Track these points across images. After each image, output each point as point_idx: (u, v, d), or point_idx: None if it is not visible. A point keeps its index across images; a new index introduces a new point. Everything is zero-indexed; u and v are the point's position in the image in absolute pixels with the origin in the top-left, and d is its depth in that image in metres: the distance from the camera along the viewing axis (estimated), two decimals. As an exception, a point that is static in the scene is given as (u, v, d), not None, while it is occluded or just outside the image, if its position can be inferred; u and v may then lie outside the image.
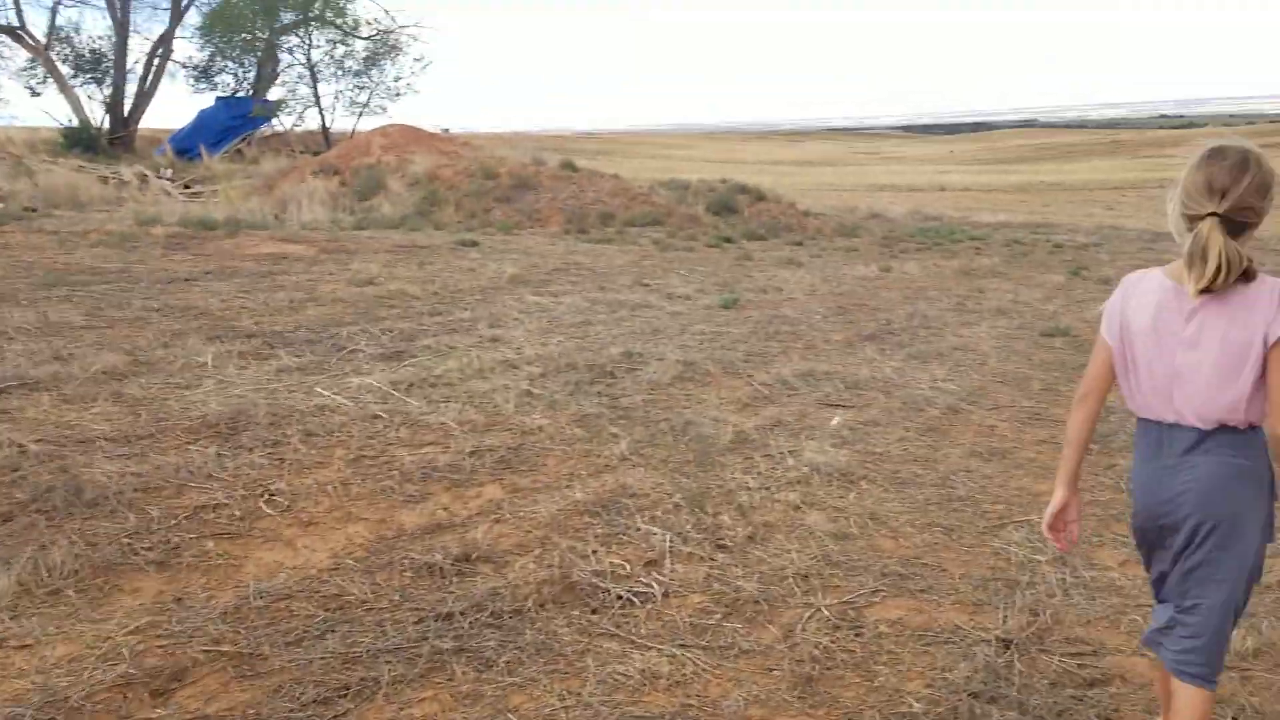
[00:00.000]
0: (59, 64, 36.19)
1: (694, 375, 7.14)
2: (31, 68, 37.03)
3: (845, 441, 5.68)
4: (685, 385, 6.88)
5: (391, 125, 26.52)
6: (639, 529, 4.32)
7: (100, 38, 37.47)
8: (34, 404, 5.65)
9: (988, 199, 44.25)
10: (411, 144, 23.24)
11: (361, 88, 39.82)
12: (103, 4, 36.12)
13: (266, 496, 4.55)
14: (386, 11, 40.44)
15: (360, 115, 40.10)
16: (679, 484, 4.88)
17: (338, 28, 38.70)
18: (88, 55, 36.94)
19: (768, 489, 4.87)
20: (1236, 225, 2.29)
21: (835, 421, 6.05)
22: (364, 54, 39.67)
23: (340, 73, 39.65)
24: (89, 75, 36.98)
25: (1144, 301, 2.43)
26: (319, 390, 6.25)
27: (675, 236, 17.73)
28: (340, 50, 39.46)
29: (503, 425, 5.75)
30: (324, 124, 39.42)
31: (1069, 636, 3.52)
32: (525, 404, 6.18)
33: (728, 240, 17.79)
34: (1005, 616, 3.62)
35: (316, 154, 29.06)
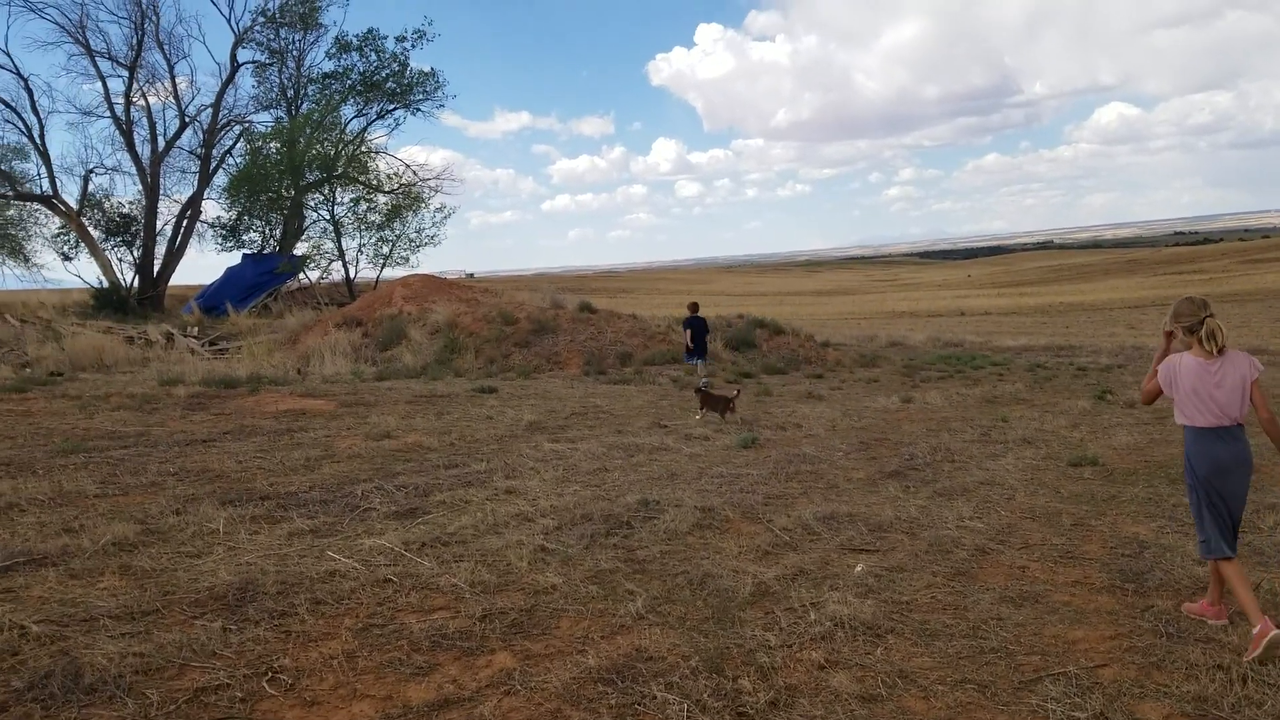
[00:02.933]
0: (90, 229, 37.38)
1: (712, 522, 6.98)
2: (64, 233, 38.27)
3: (870, 590, 5.48)
4: (703, 533, 6.72)
5: (413, 275, 27.06)
6: (655, 697, 4.11)
7: (131, 202, 38.84)
8: (40, 580, 5.55)
9: (1008, 322, 44.33)
10: (432, 293, 23.63)
11: (384, 240, 40.83)
12: (133, 170, 37.55)
13: (270, 675, 4.38)
14: (407, 166, 41.53)
15: (383, 266, 41.02)
16: (697, 644, 4.69)
17: (361, 184, 39.92)
18: (118, 219, 38.23)
19: (789, 646, 4.67)
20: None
21: (859, 569, 5.85)
22: (386, 207, 40.81)
23: (363, 226, 40.70)
24: (119, 238, 38.17)
25: (1185, 371, 4.81)
26: (330, 554, 6.13)
27: (694, 374, 17.73)
28: (363, 205, 40.60)
29: (515, 585, 5.59)
30: (348, 276, 40.29)
31: (1117, 808, 3.27)
32: (539, 561, 6.04)
33: (747, 375, 17.78)
34: (1046, 787, 3.38)
35: (341, 306, 29.59)
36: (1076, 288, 75.20)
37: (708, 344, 16.59)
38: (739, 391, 12.26)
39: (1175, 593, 5.39)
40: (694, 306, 17.33)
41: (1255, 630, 4.45)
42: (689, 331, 16.74)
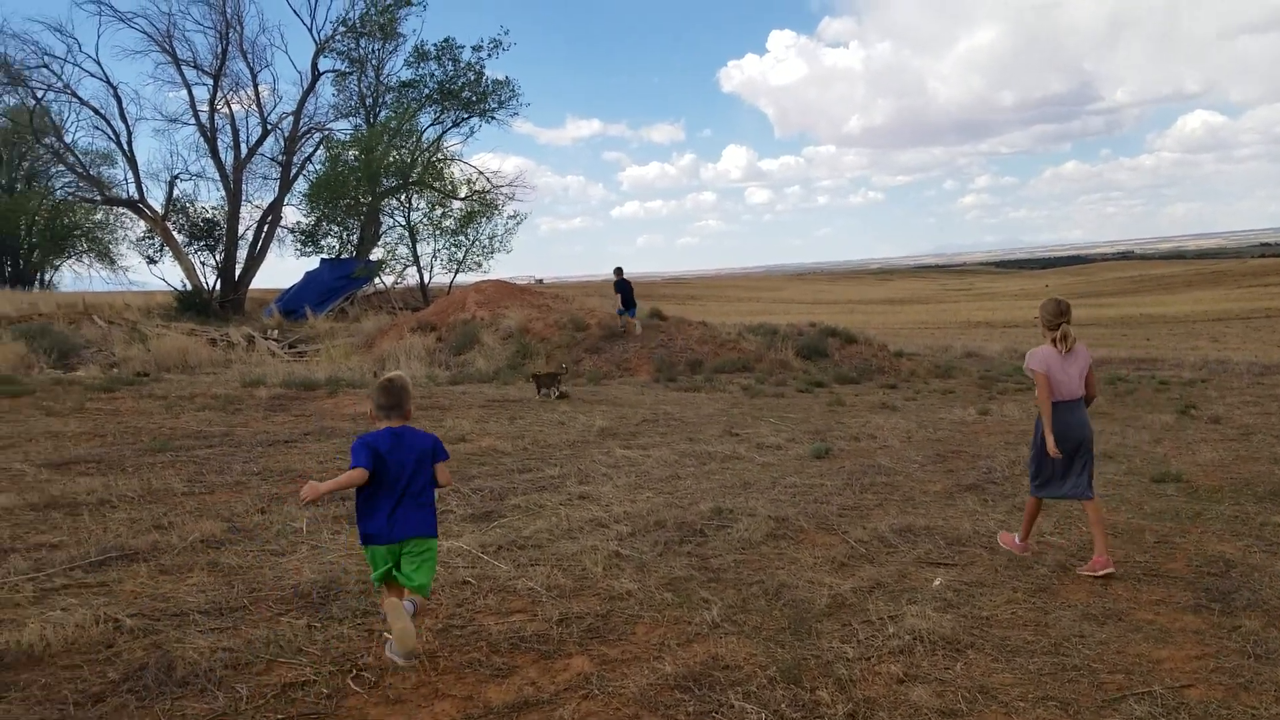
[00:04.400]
0: (175, 233, 38.49)
1: (787, 532, 6.96)
2: (149, 237, 39.44)
3: (949, 605, 5.43)
4: (778, 543, 6.70)
5: (486, 281, 27.37)
6: (732, 706, 4.12)
7: (214, 207, 39.96)
8: (132, 575, 5.75)
9: (1087, 333, 43.35)
10: (505, 299, 23.88)
11: (458, 246, 41.34)
12: (217, 176, 38.58)
13: (354, 672, 4.48)
14: (480, 173, 42.02)
15: (457, 271, 41.53)
16: (773, 654, 4.68)
17: (436, 190, 40.49)
18: (201, 224, 39.33)
19: (868, 659, 4.64)
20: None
21: (937, 583, 5.79)
22: (461, 214, 41.33)
23: (438, 232, 41.25)
24: (202, 242, 39.26)
25: (1052, 361, 6.03)
26: (409, 555, 6.23)
27: (764, 382, 17.67)
28: (438, 211, 41.17)
29: (591, 590, 5.64)
30: (423, 281, 40.87)
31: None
32: (614, 566, 6.08)
33: (818, 385, 17.66)
34: (1134, 809, 3.32)
35: (415, 310, 30.03)
36: (1157, 299, 73.44)
37: (635, 301, 21.85)
38: (565, 368, 17.00)
39: (1265, 613, 5.24)
40: (619, 271, 21.75)
41: (1099, 560, 5.94)
42: (620, 295, 21.44)
